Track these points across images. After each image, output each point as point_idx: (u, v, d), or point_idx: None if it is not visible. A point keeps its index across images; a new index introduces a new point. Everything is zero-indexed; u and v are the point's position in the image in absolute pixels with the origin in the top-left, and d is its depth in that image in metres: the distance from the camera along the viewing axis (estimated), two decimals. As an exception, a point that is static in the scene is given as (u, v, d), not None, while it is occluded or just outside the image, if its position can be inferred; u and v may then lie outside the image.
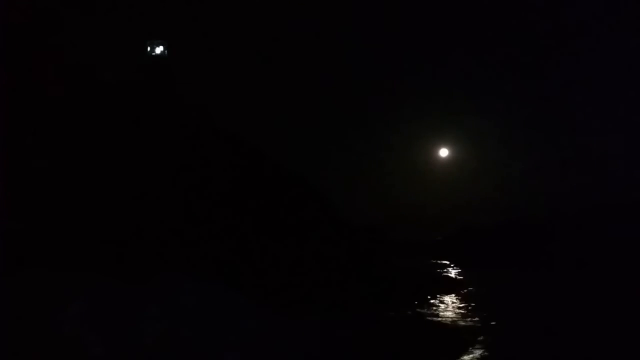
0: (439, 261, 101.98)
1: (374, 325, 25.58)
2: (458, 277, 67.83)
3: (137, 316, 16.65)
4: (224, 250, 31.25)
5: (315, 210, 45.31)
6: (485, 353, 24.74)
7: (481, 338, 27.86)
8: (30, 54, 33.86)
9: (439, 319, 34.05)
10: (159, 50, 53.42)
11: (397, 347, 23.11)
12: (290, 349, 19.00)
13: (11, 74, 27.86)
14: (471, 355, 24.26)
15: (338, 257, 41.22)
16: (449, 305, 41.17)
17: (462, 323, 32.79)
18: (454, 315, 36.21)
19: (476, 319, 34.09)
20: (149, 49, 53.21)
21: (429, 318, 33.94)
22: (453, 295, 47.99)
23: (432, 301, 43.03)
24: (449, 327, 30.79)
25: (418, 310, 37.43)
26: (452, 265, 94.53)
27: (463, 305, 41.55)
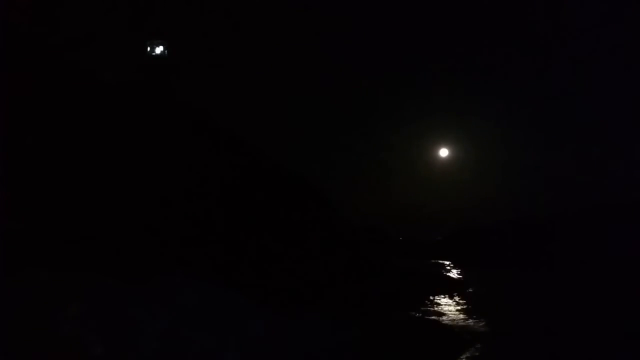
0: (439, 261, 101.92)
1: (373, 326, 25.57)
2: (458, 277, 67.80)
3: (137, 316, 16.64)
4: (224, 250, 31.24)
5: (315, 210, 45.31)
6: (486, 353, 24.74)
7: (481, 338, 27.85)
8: (30, 54, 33.86)
9: (439, 319, 34.03)
10: (159, 50, 53.46)
11: (397, 347, 23.10)
12: (290, 349, 19.00)
13: (11, 74, 27.84)
14: (471, 356, 24.26)
15: (338, 257, 41.21)
16: (449, 306, 41.17)
17: (462, 323, 32.79)
18: (454, 315, 36.20)
19: (476, 319, 34.08)
20: (149, 49, 53.24)
21: (429, 318, 33.92)
22: (453, 295, 47.97)
23: (432, 301, 43.03)
24: (449, 328, 30.77)
25: (418, 310, 37.41)
26: (452, 265, 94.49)
27: (463, 305, 41.54)
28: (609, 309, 38.31)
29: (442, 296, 46.52)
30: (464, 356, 24.13)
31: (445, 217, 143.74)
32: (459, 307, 40.31)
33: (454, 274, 75.49)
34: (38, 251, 21.39)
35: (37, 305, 15.56)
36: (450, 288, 52.30)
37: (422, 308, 38.83)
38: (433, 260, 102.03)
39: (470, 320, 33.71)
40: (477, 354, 24.62)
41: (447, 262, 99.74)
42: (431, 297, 44.89)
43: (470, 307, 40.43)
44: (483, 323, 32.56)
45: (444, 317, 34.85)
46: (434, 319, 33.43)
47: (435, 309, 39.17)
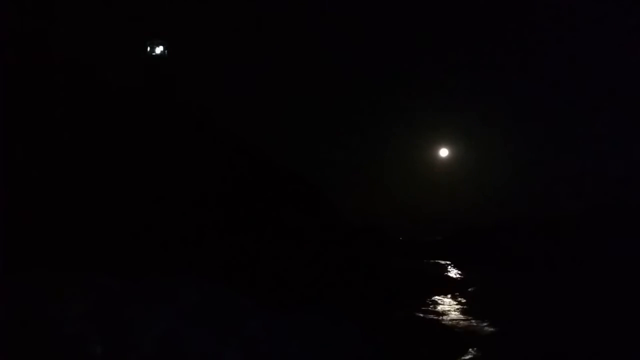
0: (439, 261, 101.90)
1: (374, 326, 25.55)
2: (458, 277, 67.78)
3: (137, 316, 16.63)
4: (224, 250, 31.24)
5: (315, 210, 45.31)
6: (486, 354, 24.71)
7: (482, 339, 27.83)
8: (30, 54, 33.85)
9: (440, 319, 34.02)
10: (159, 50, 53.51)
11: (398, 347, 23.09)
12: (290, 349, 18.98)
13: (11, 74, 27.83)
14: (472, 357, 24.23)
15: (338, 257, 41.20)
16: (449, 306, 41.15)
17: (462, 323, 32.77)
18: (454, 315, 36.18)
19: (477, 319, 34.05)
20: (149, 49, 53.28)
21: (430, 318, 33.91)
22: (453, 295, 47.96)
23: (432, 301, 43.00)
24: (450, 328, 30.76)
25: (418, 310, 37.39)
26: (452, 265, 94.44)
27: (464, 305, 41.51)
28: (609, 309, 38.28)
29: (442, 296, 46.50)
30: (465, 357, 24.12)
31: (445, 217, 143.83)
32: (459, 308, 40.29)
33: (454, 274, 75.48)
34: (38, 251, 21.39)
35: (38, 305, 15.54)
36: (450, 288, 52.29)
37: (423, 308, 38.81)
38: (433, 260, 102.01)
39: (471, 321, 33.69)
40: (478, 354, 24.59)
41: (447, 262, 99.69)
42: (431, 297, 44.87)
43: (470, 307, 40.40)
44: (484, 324, 32.54)
45: (445, 317, 34.84)
46: (434, 319, 33.43)
47: (436, 309, 39.16)
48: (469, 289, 53.77)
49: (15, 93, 27.92)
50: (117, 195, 29.54)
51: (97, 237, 25.34)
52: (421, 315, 35.33)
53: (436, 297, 45.24)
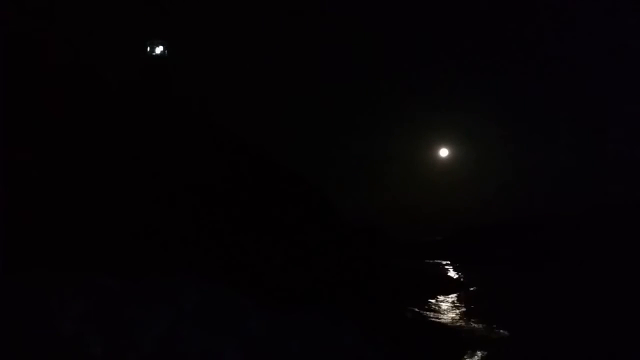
0: (439, 261, 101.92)
1: (374, 325, 25.53)
2: (458, 278, 67.78)
3: (137, 316, 16.62)
4: (224, 250, 31.22)
5: (315, 210, 45.27)
6: (486, 354, 24.71)
7: (482, 339, 27.82)
8: (30, 54, 33.84)
9: (440, 319, 34.02)
10: (159, 50, 53.42)
11: (398, 347, 23.07)
12: (290, 348, 18.97)
13: (11, 74, 27.81)
14: (472, 357, 24.23)
15: (338, 258, 41.18)
16: (449, 306, 41.13)
17: (462, 324, 32.77)
18: (454, 315, 36.17)
19: (477, 319, 34.05)
20: (149, 49, 53.21)
21: (430, 319, 33.91)
22: (453, 295, 47.95)
23: (432, 302, 42.99)
24: (450, 328, 30.76)
25: (419, 310, 37.38)
26: (452, 265, 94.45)
27: (463, 305, 41.51)
28: (610, 309, 38.27)
29: (443, 296, 46.50)
30: (465, 357, 24.12)
31: (445, 217, 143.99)
32: (459, 308, 40.29)
33: (454, 274, 75.47)
34: (38, 251, 21.38)
35: (38, 305, 15.54)
36: (450, 288, 52.30)
37: (423, 308, 38.81)
38: (433, 260, 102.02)
39: (471, 321, 33.69)
40: (478, 355, 24.59)
41: (447, 262, 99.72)
42: (431, 297, 44.87)
43: (470, 307, 40.41)
44: (484, 324, 32.54)
45: (445, 317, 34.84)
46: (434, 320, 33.43)
47: (436, 309, 39.15)
48: (469, 289, 53.79)
49: (16, 93, 27.92)
50: (117, 196, 29.53)
51: (97, 237, 25.34)
52: (421, 315, 35.33)
53: (436, 297, 45.24)
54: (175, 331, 16.80)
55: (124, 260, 23.72)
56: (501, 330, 30.55)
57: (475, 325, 32.06)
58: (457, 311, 38.31)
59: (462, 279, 64.33)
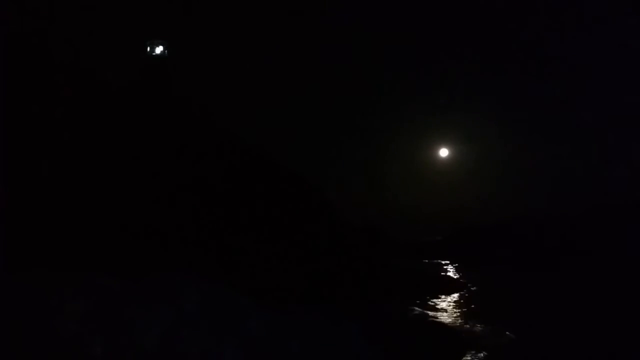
0: (439, 261, 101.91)
1: (374, 326, 25.54)
2: (458, 278, 67.77)
3: (137, 316, 16.62)
4: (224, 250, 31.23)
5: (316, 211, 45.27)
6: (487, 355, 24.70)
7: (482, 339, 27.82)
8: (30, 54, 33.84)
9: (439, 319, 34.01)
10: (159, 50, 53.43)
11: (398, 347, 23.07)
12: (290, 349, 18.97)
13: (12, 75, 27.82)
14: (472, 358, 24.22)
15: (338, 258, 41.18)
16: (449, 306, 41.13)
17: (462, 324, 32.76)
18: (454, 315, 36.17)
19: (477, 319, 34.04)
20: (149, 49, 53.21)
21: (429, 319, 33.90)
22: (453, 295, 47.95)
23: (432, 302, 42.99)
24: (449, 328, 30.74)
25: (418, 310, 37.38)
26: (452, 265, 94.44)
27: (463, 305, 41.51)
28: (610, 309, 38.26)
29: (443, 296, 46.50)
30: (465, 358, 24.11)
31: (445, 217, 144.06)
32: (459, 308, 40.28)
33: (453, 273, 75.47)
34: (38, 251, 21.38)
35: (38, 305, 15.54)
36: (450, 288, 52.29)
37: (423, 308, 38.80)
38: (433, 260, 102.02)
39: (471, 321, 33.68)
40: (478, 355, 24.58)
41: (447, 262, 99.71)
42: (431, 297, 44.86)
43: (471, 307, 40.40)
44: (484, 324, 32.53)
45: (445, 318, 34.83)
46: (434, 320, 33.41)
47: (436, 309, 39.15)
48: (469, 289, 53.77)
49: (16, 93, 27.92)
50: (118, 196, 29.53)
51: (97, 237, 25.34)
52: (421, 315, 35.33)
53: (436, 297, 45.23)
54: (175, 331, 16.80)
55: (124, 260, 23.73)
56: (501, 331, 30.55)
57: (476, 326, 32.05)
58: (458, 311, 38.30)
59: (462, 279, 64.31)
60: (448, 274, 75.03)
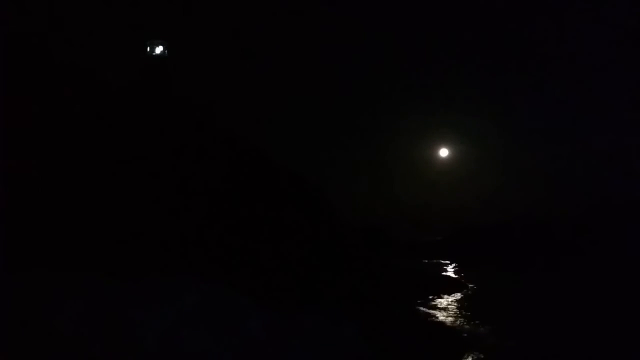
0: (439, 261, 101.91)
1: (374, 325, 25.54)
2: (458, 278, 67.77)
3: (137, 316, 16.63)
4: (224, 250, 31.21)
5: (316, 211, 45.26)
6: (486, 354, 24.70)
7: (481, 339, 27.82)
8: (31, 55, 33.85)
9: (439, 319, 34.02)
10: (159, 50, 53.38)
11: (398, 347, 23.08)
12: (290, 348, 18.98)
13: (12, 75, 27.83)
14: (472, 357, 24.23)
15: (338, 258, 41.17)
16: (449, 306, 41.13)
17: (462, 323, 32.76)
18: (454, 315, 36.16)
19: (477, 319, 34.04)
20: (149, 49, 53.17)
21: (430, 319, 33.91)
22: (453, 295, 47.95)
23: (432, 301, 42.99)
24: (449, 328, 30.76)
25: (418, 310, 37.38)
26: (452, 265, 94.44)
27: (463, 305, 41.50)
28: (609, 310, 38.26)
29: (442, 296, 46.50)
30: (465, 358, 24.11)
31: (445, 217, 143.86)
32: (459, 308, 40.28)
33: (453, 273, 75.48)
34: (38, 251, 21.37)
35: (38, 305, 15.55)
36: (450, 288, 52.27)
37: (423, 308, 38.81)
38: (433, 260, 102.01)
39: (471, 322, 33.68)
40: (477, 355, 24.58)
41: (447, 262, 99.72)
42: (431, 297, 44.86)
43: (470, 307, 40.40)
44: (484, 324, 32.53)
45: (445, 318, 34.83)
46: (434, 320, 33.43)
47: (436, 309, 39.15)
48: (469, 289, 53.78)
49: (16, 93, 27.92)
50: (118, 196, 29.52)
51: (97, 238, 25.32)
52: (421, 315, 35.33)
53: (436, 297, 45.23)
54: (175, 331, 16.81)
55: (124, 260, 23.73)
56: (501, 331, 30.56)
57: (476, 326, 32.05)
58: (457, 311, 38.30)
59: (462, 279, 64.31)
60: (448, 274, 75.03)
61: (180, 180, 34.75)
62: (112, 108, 36.65)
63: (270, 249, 34.90)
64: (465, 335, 28.79)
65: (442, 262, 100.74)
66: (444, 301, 43.82)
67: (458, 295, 48.11)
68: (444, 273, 75.51)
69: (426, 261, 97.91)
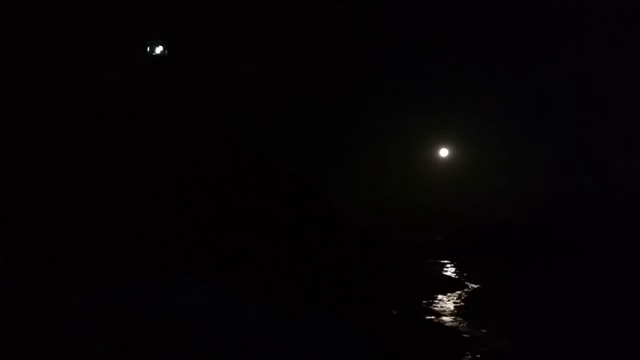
0: (439, 261, 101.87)
1: (373, 326, 25.55)
2: (458, 278, 67.75)
3: (137, 316, 16.64)
4: (224, 250, 31.23)
5: (315, 210, 45.29)
6: (486, 355, 24.69)
7: (481, 340, 27.80)
8: (31, 55, 33.87)
9: (439, 319, 34.01)
10: (159, 50, 53.42)
11: (397, 347, 23.08)
12: (290, 348, 18.98)
13: (12, 75, 27.84)
14: (472, 358, 24.22)
15: (338, 257, 41.19)
16: (448, 306, 41.13)
17: (461, 324, 32.74)
18: (454, 316, 36.14)
19: (477, 320, 34.02)
20: (149, 49, 53.21)
21: (429, 319, 33.89)
22: (453, 295, 47.93)
23: (432, 301, 42.98)
24: (449, 328, 30.74)
25: (418, 310, 37.37)
26: (452, 265, 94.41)
27: (464, 306, 41.48)
28: (609, 310, 38.26)
29: (442, 296, 46.48)
30: (465, 358, 24.10)
31: (445, 217, 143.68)
32: (459, 308, 40.26)
33: (453, 273, 75.47)
34: (38, 251, 21.39)
35: (38, 305, 15.55)
36: (450, 288, 52.25)
37: (423, 308, 38.79)
38: (433, 260, 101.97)
39: (471, 321, 33.65)
40: (477, 355, 24.58)
41: (447, 262, 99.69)
42: (431, 298, 44.84)
43: (470, 307, 40.38)
44: (484, 324, 32.50)
45: (444, 318, 34.82)
46: (434, 320, 33.41)
47: (436, 309, 39.13)
48: (469, 289, 53.76)
49: (16, 93, 27.94)
50: (118, 195, 29.56)
51: (97, 238, 25.35)
52: (421, 315, 35.31)
53: (436, 297, 45.21)
54: (175, 331, 16.82)
55: (124, 260, 23.75)
56: (501, 332, 30.55)
57: (475, 327, 32.04)
58: (457, 311, 38.28)
59: (462, 279, 64.29)
60: (448, 273, 75.03)
61: (180, 180, 34.77)
62: (112, 108, 36.67)
63: (270, 249, 34.91)
64: (466, 335, 28.77)
65: (442, 262, 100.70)
66: (444, 301, 43.82)
67: (458, 296, 48.09)
68: (444, 273, 75.51)
69: (426, 261, 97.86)
